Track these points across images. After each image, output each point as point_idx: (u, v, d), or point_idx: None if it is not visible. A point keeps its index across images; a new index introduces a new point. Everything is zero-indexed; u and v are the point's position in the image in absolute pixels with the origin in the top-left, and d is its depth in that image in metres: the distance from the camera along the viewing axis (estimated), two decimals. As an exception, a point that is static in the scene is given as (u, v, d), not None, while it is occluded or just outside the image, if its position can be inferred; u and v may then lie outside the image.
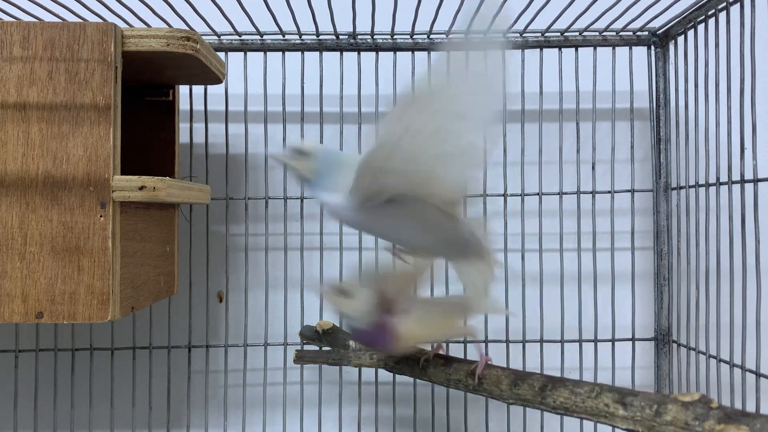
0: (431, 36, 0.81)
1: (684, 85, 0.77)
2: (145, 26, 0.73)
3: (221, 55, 0.81)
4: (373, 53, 0.82)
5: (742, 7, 0.66)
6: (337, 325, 0.76)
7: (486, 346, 0.81)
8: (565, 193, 0.83)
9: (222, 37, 0.80)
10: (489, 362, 0.63)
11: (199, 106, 0.83)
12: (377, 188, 0.43)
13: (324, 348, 0.74)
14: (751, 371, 0.66)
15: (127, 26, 0.71)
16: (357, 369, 0.82)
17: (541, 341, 0.82)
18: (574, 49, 0.81)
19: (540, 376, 0.61)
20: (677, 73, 0.79)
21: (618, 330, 0.82)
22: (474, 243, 0.49)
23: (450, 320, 0.60)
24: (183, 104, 0.81)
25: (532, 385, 0.60)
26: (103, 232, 0.57)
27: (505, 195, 0.82)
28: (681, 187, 0.79)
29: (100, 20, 0.72)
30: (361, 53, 0.82)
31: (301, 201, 0.82)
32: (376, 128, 0.82)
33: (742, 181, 0.66)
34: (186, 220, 0.82)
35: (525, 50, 0.82)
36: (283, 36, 0.80)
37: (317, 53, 0.83)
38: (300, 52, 0.82)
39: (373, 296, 0.56)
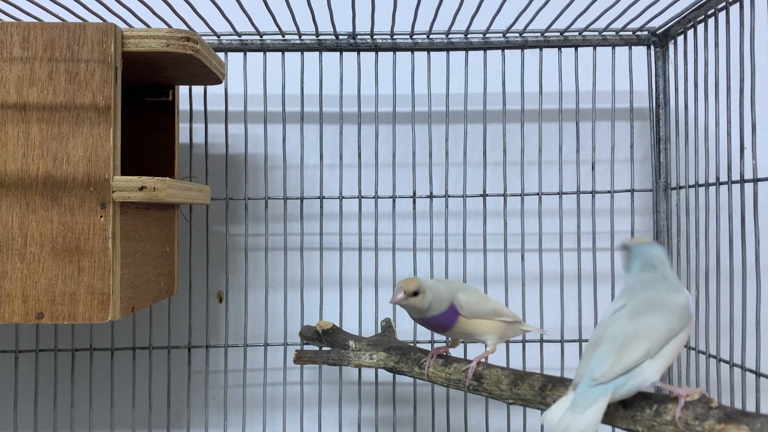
0: (431, 36, 0.81)
1: (684, 85, 0.77)
2: (145, 27, 0.73)
3: (221, 55, 0.81)
4: (373, 53, 0.82)
5: (741, 7, 0.66)
6: (337, 325, 0.77)
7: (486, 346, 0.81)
8: (565, 193, 0.83)
9: (222, 38, 0.80)
10: (483, 361, 0.65)
11: (198, 106, 0.83)
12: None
13: (324, 348, 0.74)
14: (751, 371, 0.66)
15: (127, 27, 0.71)
16: (357, 369, 0.82)
17: (541, 341, 0.82)
18: (573, 49, 0.81)
19: (540, 376, 0.61)
20: (677, 73, 0.79)
21: (618, 330, 0.82)
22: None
23: (496, 314, 0.66)
24: (183, 104, 0.81)
25: (532, 385, 0.60)
26: (103, 233, 0.57)
27: (505, 195, 0.82)
28: (681, 187, 0.79)
29: (100, 21, 0.72)
30: (361, 53, 0.82)
31: (301, 201, 0.82)
32: (376, 128, 0.82)
33: (742, 181, 0.66)
34: (186, 221, 0.82)
35: (525, 50, 0.82)
36: (283, 36, 0.80)
37: (317, 53, 0.83)
38: (299, 53, 0.82)
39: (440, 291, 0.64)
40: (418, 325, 0.82)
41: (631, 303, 0.54)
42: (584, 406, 0.49)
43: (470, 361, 0.65)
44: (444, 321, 0.65)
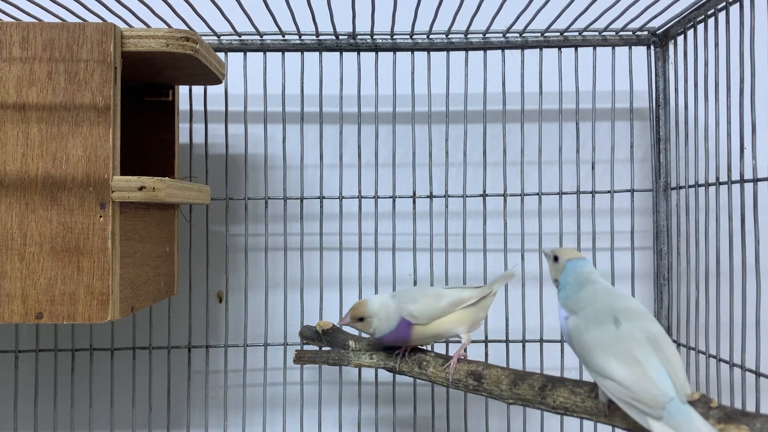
0: (431, 36, 0.81)
1: (684, 85, 0.77)
2: (145, 26, 0.73)
3: (221, 55, 0.81)
4: (373, 53, 0.82)
5: (741, 7, 0.66)
6: (337, 325, 0.77)
7: (486, 346, 0.81)
8: (565, 193, 0.83)
9: (222, 38, 0.80)
10: (463, 357, 0.66)
11: (198, 106, 0.83)
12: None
13: (324, 348, 0.74)
14: (751, 371, 0.66)
15: (127, 26, 0.71)
16: (357, 369, 0.82)
17: (541, 341, 0.82)
18: (573, 49, 0.81)
19: (540, 376, 0.61)
20: (677, 73, 0.79)
21: (618, 330, 0.82)
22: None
23: (453, 307, 0.66)
24: (183, 104, 0.81)
25: (532, 385, 0.60)
26: (102, 233, 0.57)
27: (505, 195, 0.82)
28: (681, 187, 0.79)
29: (100, 21, 0.72)
30: (361, 53, 0.82)
31: (301, 201, 0.82)
32: (376, 128, 0.82)
33: (742, 181, 0.66)
34: (186, 221, 0.82)
35: (525, 50, 0.82)
36: (283, 36, 0.80)
37: (317, 53, 0.83)
38: (300, 53, 0.82)
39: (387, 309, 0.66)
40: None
41: (621, 315, 0.53)
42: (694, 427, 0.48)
43: (450, 357, 0.66)
44: (397, 336, 0.65)
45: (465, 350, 0.66)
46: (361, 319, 0.65)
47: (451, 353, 0.79)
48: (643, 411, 0.49)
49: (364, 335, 0.76)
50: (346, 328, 0.78)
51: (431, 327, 0.65)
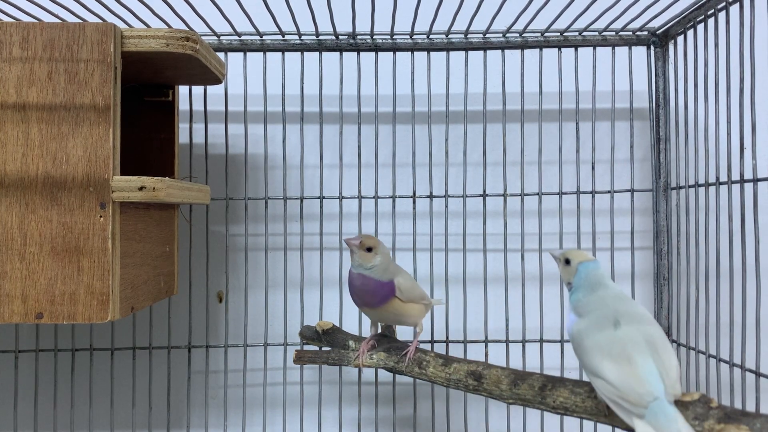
0: (431, 36, 0.81)
1: (683, 85, 0.77)
2: (145, 27, 0.73)
3: (221, 55, 0.81)
4: (373, 53, 0.82)
5: (741, 7, 0.66)
6: (337, 325, 0.77)
7: (486, 346, 0.81)
8: (565, 193, 0.83)
9: (222, 38, 0.80)
10: (418, 346, 0.69)
11: (198, 107, 0.83)
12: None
13: (324, 348, 0.74)
14: (751, 371, 0.66)
15: (127, 27, 0.71)
16: (357, 369, 0.82)
17: (541, 341, 0.82)
18: (573, 49, 0.81)
19: (540, 376, 0.61)
20: (677, 73, 0.79)
21: (618, 330, 0.82)
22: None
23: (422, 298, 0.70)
24: (183, 104, 0.81)
25: (532, 385, 0.61)
26: (102, 233, 0.57)
27: (505, 195, 0.82)
28: (681, 187, 0.79)
29: (100, 21, 0.72)
30: (361, 53, 0.82)
31: (301, 201, 0.82)
32: (376, 128, 0.82)
33: (742, 181, 0.66)
34: (186, 221, 0.82)
35: (525, 50, 0.82)
36: (283, 36, 0.80)
37: (317, 53, 0.83)
38: (299, 53, 0.82)
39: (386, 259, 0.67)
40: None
41: (623, 318, 0.54)
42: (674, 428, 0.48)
43: (407, 344, 0.69)
44: (376, 293, 0.66)
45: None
46: (370, 249, 0.66)
47: (451, 352, 0.79)
48: (628, 410, 0.50)
49: (364, 334, 0.76)
50: (345, 328, 0.78)
51: (406, 306, 0.67)
